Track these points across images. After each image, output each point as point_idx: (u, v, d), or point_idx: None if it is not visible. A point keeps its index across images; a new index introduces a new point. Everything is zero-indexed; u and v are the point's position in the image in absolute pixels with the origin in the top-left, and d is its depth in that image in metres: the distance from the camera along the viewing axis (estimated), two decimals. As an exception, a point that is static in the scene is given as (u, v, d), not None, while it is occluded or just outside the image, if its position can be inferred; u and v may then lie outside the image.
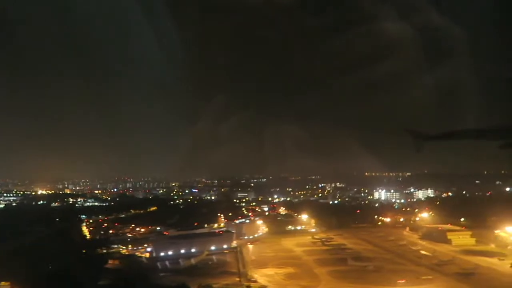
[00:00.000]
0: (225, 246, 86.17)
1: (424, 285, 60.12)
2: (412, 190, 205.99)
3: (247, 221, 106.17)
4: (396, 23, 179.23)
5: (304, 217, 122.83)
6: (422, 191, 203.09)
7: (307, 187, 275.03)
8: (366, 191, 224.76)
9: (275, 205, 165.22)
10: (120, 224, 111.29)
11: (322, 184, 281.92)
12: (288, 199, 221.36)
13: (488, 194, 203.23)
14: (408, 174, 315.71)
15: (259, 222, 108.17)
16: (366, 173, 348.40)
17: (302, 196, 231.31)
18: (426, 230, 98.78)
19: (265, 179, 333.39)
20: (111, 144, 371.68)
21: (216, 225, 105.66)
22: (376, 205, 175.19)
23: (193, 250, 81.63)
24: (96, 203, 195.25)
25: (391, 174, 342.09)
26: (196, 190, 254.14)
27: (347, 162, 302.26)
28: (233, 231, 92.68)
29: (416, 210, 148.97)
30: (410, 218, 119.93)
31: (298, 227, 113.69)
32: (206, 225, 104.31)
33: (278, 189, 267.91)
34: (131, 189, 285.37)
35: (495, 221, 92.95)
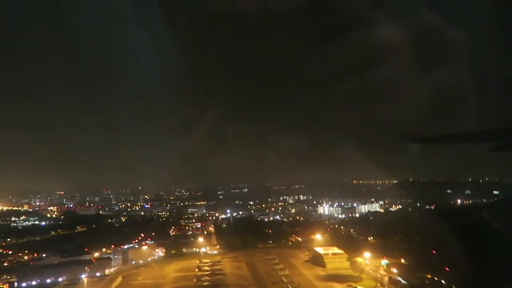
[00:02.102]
0: (98, 274, 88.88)
1: None
2: (355, 204, 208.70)
3: (137, 246, 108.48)
4: (392, 26, 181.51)
5: (212, 237, 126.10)
6: (367, 205, 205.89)
7: (269, 199, 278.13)
8: (319, 205, 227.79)
9: (204, 223, 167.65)
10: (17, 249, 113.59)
11: (285, 197, 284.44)
12: (239, 213, 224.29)
13: (432, 207, 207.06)
14: (395, 181, 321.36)
15: (153, 245, 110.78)
16: (354, 181, 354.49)
17: (252, 211, 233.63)
18: (312, 252, 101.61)
19: (246, 189, 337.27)
20: (94, 153, 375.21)
21: (104, 250, 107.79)
22: (311, 220, 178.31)
23: (60, 279, 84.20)
24: (37, 222, 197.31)
25: (378, 182, 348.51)
26: (148, 206, 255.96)
27: (337, 170, 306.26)
28: (110, 258, 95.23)
29: (341, 227, 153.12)
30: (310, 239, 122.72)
31: (197, 249, 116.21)
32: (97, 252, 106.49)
33: (240, 202, 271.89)
34: (92, 205, 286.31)
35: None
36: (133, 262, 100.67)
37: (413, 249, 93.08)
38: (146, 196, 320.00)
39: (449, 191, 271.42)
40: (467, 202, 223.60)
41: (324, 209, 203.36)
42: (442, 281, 69.58)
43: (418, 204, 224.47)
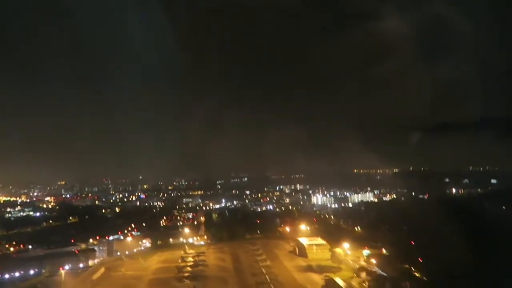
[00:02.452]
0: (81, 266, 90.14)
1: None
2: (348, 194, 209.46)
3: (122, 237, 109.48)
4: (397, 17, 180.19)
5: (200, 228, 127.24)
6: (360, 195, 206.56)
7: (265, 189, 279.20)
8: (313, 194, 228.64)
9: (196, 214, 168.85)
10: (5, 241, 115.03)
11: (281, 187, 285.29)
12: (234, 203, 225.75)
13: (426, 196, 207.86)
14: (395, 170, 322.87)
15: (138, 237, 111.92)
16: (355, 170, 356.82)
17: (247, 201, 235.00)
18: (296, 243, 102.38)
19: (246, 179, 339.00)
20: (95, 143, 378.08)
21: (91, 241, 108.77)
22: (303, 210, 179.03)
23: (43, 270, 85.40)
24: (31, 213, 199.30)
25: (378, 171, 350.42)
26: (144, 197, 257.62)
27: (339, 159, 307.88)
28: (94, 250, 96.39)
29: (331, 217, 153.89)
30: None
31: (184, 240, 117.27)
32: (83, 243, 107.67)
33: (237, 191, 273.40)
34: (90, 195, 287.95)
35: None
36: (118, 254, 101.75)
37: (395, 239, 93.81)
38: (145, 186, 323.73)
39: (447, 180, 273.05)
40: (462, 191, 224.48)
41: (318, 199, 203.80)
42: (416, 274, 70.09)
43: (413, 194, 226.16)
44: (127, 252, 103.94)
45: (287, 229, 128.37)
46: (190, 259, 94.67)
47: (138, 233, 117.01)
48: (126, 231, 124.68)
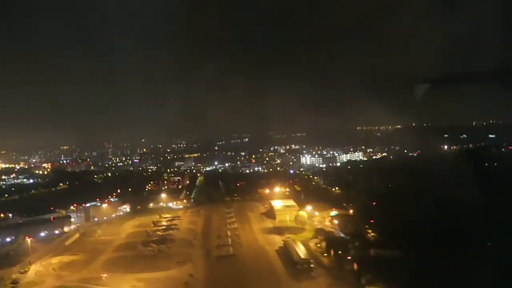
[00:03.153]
0: (56, 232, 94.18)
1: (176, 269, 67.14)
2: (336, 153, 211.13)
3: (99, 204, 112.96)
4: None
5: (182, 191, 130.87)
6: (349, 154, 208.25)
7: (260, 150, 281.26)
8: (304, 154, 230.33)
9: (181, 178, 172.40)
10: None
11: (276, 147, 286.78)
12: (225, 165, 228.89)
13: (415, 154, 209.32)
14: (398, 127, 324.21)
15: (117, 202, 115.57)
16: (358, 128, 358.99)
17: (239, 163, 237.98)
18: (268, 205, 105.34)
19: (247, 139, 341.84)
20: (99, 108, 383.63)
21: (72, 208, 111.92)
22: (290, 171, 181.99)
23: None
24: (25, 180, 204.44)
25: (381, 128, 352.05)
26: (137, 161, 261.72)
27: (344, 116, 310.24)
28: (70, 216, 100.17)
29: (315, 177, 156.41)
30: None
31: (164, 204, 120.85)
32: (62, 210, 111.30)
33: (233, 153, 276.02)
34: (88, 160, 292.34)
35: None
36: (96, 219, 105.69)
37: (362, 200, 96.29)
38: (144, 150, 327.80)
39: (446, 135, 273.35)
40: (454, 147, 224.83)
41: (306, 159, 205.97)
42: (370, 234, 72.54)
43: (405, 151, 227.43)
44: (105, 218, 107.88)
45: (267, 191, 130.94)
46: (164, 223, 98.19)
47: (117, 199, 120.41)
48: (109, 197, 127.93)
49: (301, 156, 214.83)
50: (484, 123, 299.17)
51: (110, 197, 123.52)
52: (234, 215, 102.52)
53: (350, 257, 60.18)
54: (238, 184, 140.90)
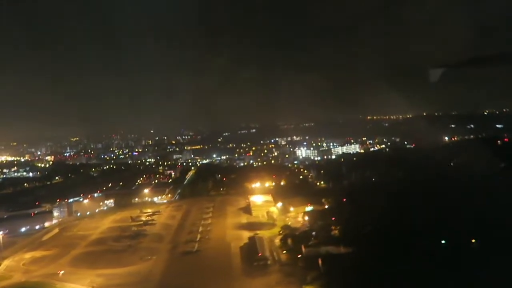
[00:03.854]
0: (37, 227, 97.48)
1: (138, 265, 69.36)
2: (331, 145, 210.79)
3: (81, 199, 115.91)
4: None
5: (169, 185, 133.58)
6: (345, 147, 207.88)
7: (261, 142, 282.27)
8: (302, 147, 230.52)
9: (173, 171, 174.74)
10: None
11: (276, 139, 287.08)
12: (222, 158, 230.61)
13: (412, 146, 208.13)
14: (408, 116, 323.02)
15: (100, 198, 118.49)
16: (369, 117, 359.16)
17: (236, 155, 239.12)
18: (247, 200, 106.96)
19: (254, 130, 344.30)
20: (111, 99, 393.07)
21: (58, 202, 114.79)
22: (284, 164, 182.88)
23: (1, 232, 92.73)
24: (24, 174, 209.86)
25: (392, 117, 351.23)
26: (136, 154, 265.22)
27: (355, 106, 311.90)
28: (51, 211, 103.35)
29: (305, 171, 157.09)
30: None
31: (149, 199, 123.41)
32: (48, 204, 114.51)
33: (234, 145, 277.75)
34: (91, 153, 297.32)
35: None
36: (79, 214, 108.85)
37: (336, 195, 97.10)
38: (149, 142, 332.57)
39: (453, 125, 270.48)
40: (454, 139, 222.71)
41: (302, 151, 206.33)
42: (334, 230, 73.33)
43: (405, 143, 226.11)
44: (88, 213, 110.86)
45: (253, 185, 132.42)
46: (142, 218, 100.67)
47: (100, 194, 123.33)
48: (98, 191, 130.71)
49: (297, 148, 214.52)
50: (497, 112, 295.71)
51: (98, 191, 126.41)
52: (213, 210, 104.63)
53: (300, 255, 61.30)
54: (224, 179, 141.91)
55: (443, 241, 59.13)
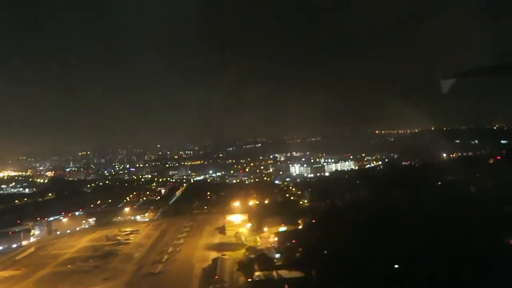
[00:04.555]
0: (14, 246, 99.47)
1: (99, 286, 70.48)
2: (326, 162, 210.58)
3: (61, 217, 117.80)
4: None
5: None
6: (339, 164, 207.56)
7: (260, 157, 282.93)
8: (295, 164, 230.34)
9: (163, 188, 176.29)
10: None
11: (275, 155, 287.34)
12: (216, 174, 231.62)
13: (408, 163, 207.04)
14: (416, 130, 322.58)
15: (81, 216, 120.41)
16: (376, 131, 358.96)
17: (231, 171, 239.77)
18: (224, 220, 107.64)
19: (260, 144, 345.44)
20: (119, 112, 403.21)
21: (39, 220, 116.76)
22: (279, 182, 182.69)
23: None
24: (21, 189, 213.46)
25: (400, 131, 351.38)
26: (133, 169, 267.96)
27: (363, 120, 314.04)
28: (29, 230, 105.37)
29: (293, 189, 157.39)
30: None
31: (132, 217, 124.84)
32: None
33: (233, 160, 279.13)
34: (92, 168, 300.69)
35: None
36: (58, 233, 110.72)
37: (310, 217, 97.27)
38: (152, 156, 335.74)
39: (457, 141, 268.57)
40: (453, 155, 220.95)
41: (296, 168, 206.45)
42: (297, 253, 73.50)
43: (401, 159, 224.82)
44: (68, 231, 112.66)
45: (235, 204, 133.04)
46: (119, 237, 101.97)
47: (82, 212, 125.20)
48: (79, 209, 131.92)
49: (290, 165, 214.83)
50: (506, 127, 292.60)
51: (80, 209, 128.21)
52: (189, 230, 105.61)
53: (250, 279, 61.80)
54: (208, 197, 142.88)
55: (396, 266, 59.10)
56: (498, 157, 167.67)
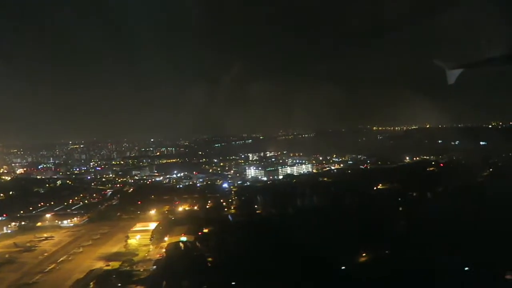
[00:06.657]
0: None
1: None
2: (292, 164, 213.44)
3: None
4: None
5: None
6: (295, 167, 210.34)
7: (232, 157, 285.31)
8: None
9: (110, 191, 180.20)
10: None
11: (247, 154, 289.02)
12: (178, 175, 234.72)
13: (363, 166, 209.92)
14: (414, 127, 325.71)
15: (5, 221, 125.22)
16: (374, 128, 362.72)
17: (186, 172, 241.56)
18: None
19: (250, 140, 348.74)
20: (112, 106, 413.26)
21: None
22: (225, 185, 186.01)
23: None
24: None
25: (397, 128, 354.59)
26: (99, 168, 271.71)
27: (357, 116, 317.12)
28: None
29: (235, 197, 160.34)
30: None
31: (60, 222, 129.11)
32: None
33: (206, 159, 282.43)
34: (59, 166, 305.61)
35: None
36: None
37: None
38: (133, 153, 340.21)
39: (440, 141, 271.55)
40: (417, 158, 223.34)
41: (251, 171, 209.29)
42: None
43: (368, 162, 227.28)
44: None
45: (166, 208, 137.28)
46: (28, 244, 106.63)
47: (5, 217, 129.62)
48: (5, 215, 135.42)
49: (246, 167, 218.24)
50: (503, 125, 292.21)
51: (4, 215, 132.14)
52: (100, 237, 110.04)
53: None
54: (139, 202, 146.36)
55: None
56: (441, 164, 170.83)
